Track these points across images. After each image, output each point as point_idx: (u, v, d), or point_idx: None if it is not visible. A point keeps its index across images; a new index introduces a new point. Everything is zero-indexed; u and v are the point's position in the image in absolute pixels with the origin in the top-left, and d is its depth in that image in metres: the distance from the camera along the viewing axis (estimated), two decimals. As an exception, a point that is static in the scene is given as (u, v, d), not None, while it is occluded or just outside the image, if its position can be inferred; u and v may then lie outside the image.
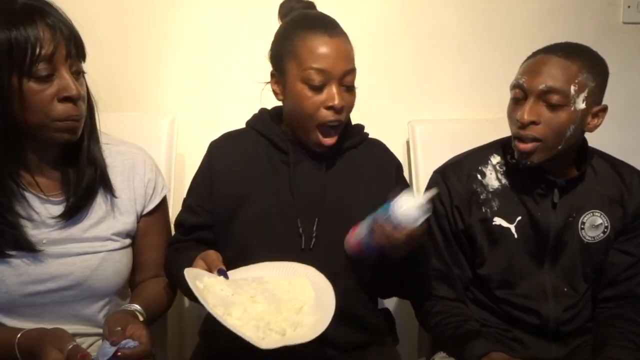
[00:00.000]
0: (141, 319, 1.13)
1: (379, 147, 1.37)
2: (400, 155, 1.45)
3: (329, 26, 1.21)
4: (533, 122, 1.20)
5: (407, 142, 1.72)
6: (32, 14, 1.04)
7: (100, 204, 1.19)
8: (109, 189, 1.20)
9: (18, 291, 1.11)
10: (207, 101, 1.75)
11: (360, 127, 1.36)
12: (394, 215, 1.07)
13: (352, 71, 1.21)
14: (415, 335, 1.61)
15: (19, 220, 1.11)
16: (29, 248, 1.10)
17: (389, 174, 1.32)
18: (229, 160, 1.29)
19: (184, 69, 1.74)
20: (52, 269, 1.13)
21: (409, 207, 1.07)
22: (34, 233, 1.12)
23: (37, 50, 1.02)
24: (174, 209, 1.55)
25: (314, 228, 1.23)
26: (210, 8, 1.72)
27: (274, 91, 1.27)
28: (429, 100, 1.81)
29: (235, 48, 1.74)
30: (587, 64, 1.20)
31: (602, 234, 1.30)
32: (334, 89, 1.18)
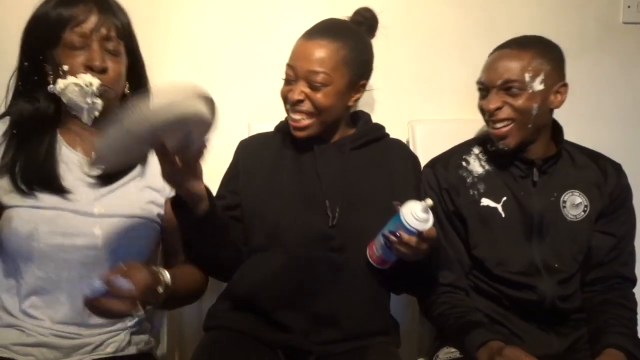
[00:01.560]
0: (163, 279, 1.11)
1: (399, 144, 1.48)
2: (400, 155, 1.45)
3: (316, 32, 1.32)
4: (498, 108, 1.33)
5: (407, 142, 1.72)
6: None
7: (134, 172, 1.26)
8: (143, 168, 1.27)
9: (46, 241, 1.16)
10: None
11: (381, 126, 1.46)
12: (406, 222, 1.15)
13: (316, 73, 1.29)
14: (416, 335, 1.61)
15: (56, 165, 1.20)
16: (60, 190, 1.18)
17: (408, 166, 1.42)
18: (256, 153, 1.41)
19: (183, 69, 1.74)
20: (81, 224, 1.18)
21: (417, 211, 1.16)
22: (68, 181, 1.20)
23: (70, 23, 1.16)
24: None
25: (337, 209, 1.31)
26: (210, 8, 1.72)
27: None
28: (429, 100, 1.81)
29: (235, 48, 1.74)
30: (539, 51, 1.33)
31: (582, 213, 1.38)
32: (298, 85, 1.31)
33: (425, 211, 1.16)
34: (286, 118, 1.40)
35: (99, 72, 1.17)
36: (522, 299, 1.34)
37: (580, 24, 1.84)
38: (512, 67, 1.32)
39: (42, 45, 1.19)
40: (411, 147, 1.68)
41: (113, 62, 1.20)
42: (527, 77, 1.31)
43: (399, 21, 1.78)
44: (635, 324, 1.36)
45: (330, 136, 1.40)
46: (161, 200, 1.28)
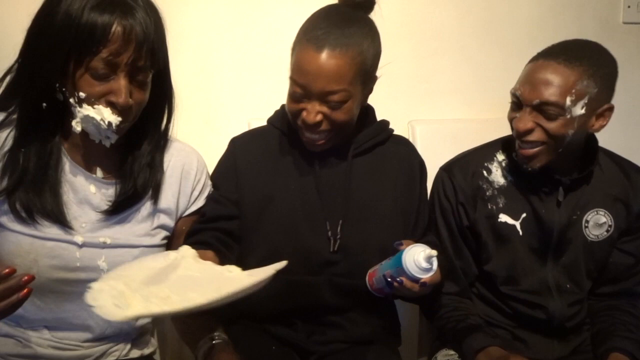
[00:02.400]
0: None
1: (405, 144, 1.37)
2: (400, 155, 1.45)
3: (325, 40, 1.14)
4: (529, 131, 1.21)
5: (407, 142, 1.71)
6: (114, 6, 0.99)
7: (147, 197, 1.15)
8: (157, 194, 1.16)
9: (47, 274, 1.07)
10: (206, 101, 1.75)
11: (385, 123, 1.34)
12: (408, 271, 1.09)
13: (335, 92, 1.14)
14: (416, 335, 1.61)
15: (60, 190, 1.08)
16: (64, 224, 1.07)
17: (414, 173, 1.32)
18: (254, 158, 1.28)
19: (183, 68, 1.74)
20: (85, 258, 1.09)
21: (420, 260, 1.08)
22: (72, 205, 1.09)
23: (101, 48, 0.98)
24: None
25: (338, 230, 1.22)
26: (210, 7, 1.72)
27: None
28: (429, 100, 1.81)
29: (235, 47, 1.73)
30: (590, 69, 1.17)
31: (605, 233, 1.30)
32: (310, 105, 1.16)
33: (428, 261, 1.08)
34: (283, 107, 1.30)
35: (122, 109, 1.03)
36: (530, 316, 1.31)
37: (580, 24, 1.84)
38: (553, 86, 1.16)
39: (59, 54, 1.00)
40: (411, 147, 1.68)
41: (139, 92, 1.05)
42: (568, 100, 1.16)
43: (399, 21, 1.78)
44: None
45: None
46: (170, 222, 1.19)
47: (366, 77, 1.19)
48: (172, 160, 1.20)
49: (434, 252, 1.08)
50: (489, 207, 1.31)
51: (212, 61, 1.74)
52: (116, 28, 0.98)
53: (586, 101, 1.17)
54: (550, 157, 1.23)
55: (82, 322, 1.13)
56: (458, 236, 1.33)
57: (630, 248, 1.33)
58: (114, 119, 1.02)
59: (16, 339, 1.13)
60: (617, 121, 1.88)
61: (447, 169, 1.36)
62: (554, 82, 1.17)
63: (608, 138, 1.83)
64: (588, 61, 1.18)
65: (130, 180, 1.12)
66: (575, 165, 1.30)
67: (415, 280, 1.09)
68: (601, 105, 1.21)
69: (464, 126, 1.70)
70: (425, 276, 1.09)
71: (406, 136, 1.72)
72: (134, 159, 1.13)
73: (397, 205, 1.26)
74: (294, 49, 1.20)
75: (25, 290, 0.92)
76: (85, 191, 1.11)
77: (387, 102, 1.78)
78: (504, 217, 1.30)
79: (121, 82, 1.01)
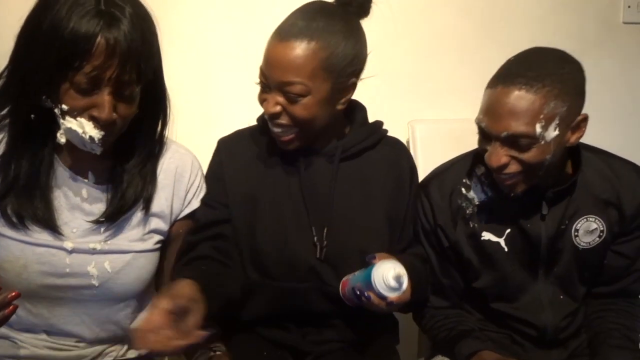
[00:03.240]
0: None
1: (398, 148, 1.33)
2: (400, 155, 1.45)
3: (288, 28, 1.13)
4: (504, 165, 1.13)
5: (407, 142, 1.71)
6: (99, 17, 0.95)
7: (140, 203, 1.14)
8: (149, 202, 1.14)
9: (37, 281, 1.07)
10: (206, 101, 1.75)
11: (378, 125, 1.30)
12: (376, 288, 1.05)
13: (290, 84, 1.11)
14: (416, 336, 1.61)
15: (51, 195, 1.07)
16: (55, 230, 1.06)
17: (403, 179, 1.28)
18: (240, 159, 1.25)
19: (183, 69, 1.74)
20: (75, 264, 1.08)
21: (389, 278, 1.05)
22: (63, 211, 1.09)
23: (84, 63, 0.94)
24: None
25: (324, 237, 1.21)
26: (210, 8, 1.72)
27: None
28: (429, 100, 1.81)
29: (236, 48, 1.73)
30: (554, 89, 1.09)
31: (598, 239, 1.25)
32: (272, 95, 1.14)
33: (397, 280, 1.04)
34: None
35: (104, 124, 1.00)
36: (521, 331, 1.28)
37: (580, 24, 1.84)
38: (519, 116, 1.08)
39: (44, 65, 0.97)
40: (411, 148, 1.68)
41: (124, 107, 1.01)
42: (538, 127, 1.08)
43: (399, 21, 1.78)
44: (637, 333, 1.27)
45: (320, 143, 1.23)
46: (164, 226, 1.17)
47: (333, 76, 1.13)
48: (166, 163, 1.18)
49: (403, 272, 1.05)
50: (471, 225, 1.25)
51: (211, 62, 1.74)
52: (99, 41, 0.94)
53: (557, 122, 1.10)
54: (532, 181, 1.17)
55: (74, 328, 1.13)
56: (442, 255, 1.29)
57: (624, 250, 1.27)
58: (96, 134, 1.00)
59: (11, 340, 1.12)
60: (618, 121, 1.89)
61: (424, 188, 1.30)
62: (519, 112, 1.08)
63: (608, 138, 1.83)
64: (550, 80, 1.09)
65: (120, 191, 1.11)
66: (560, 177, 1.23)
67: (383, 297, 1.06)
68: (574, 119, 1.14)
69: (464, 126, 1.69)
70: (392, 295, 1.05)
71: (406, 136, 1.72)
72: (124, 169, 1.11)
73: (384, 212, 1.24)
74: None
75: (10, 307, 0.93)
76: (77, 197, 1.10)
77: (387, 102, 1.80)
78: (487, 235, 1.24)
79: (105, 98, 0.97)
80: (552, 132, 1.10)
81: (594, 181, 1.24)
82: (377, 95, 1.77)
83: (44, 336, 1.12)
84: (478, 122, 1.16)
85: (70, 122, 1.00)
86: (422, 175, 1.65)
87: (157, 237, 1.17)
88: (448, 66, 1.80)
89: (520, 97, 1.08)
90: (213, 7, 1.72)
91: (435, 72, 1.80)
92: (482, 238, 1.24)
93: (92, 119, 0.99)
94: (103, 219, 1.10)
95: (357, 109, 1.29)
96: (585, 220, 1.23)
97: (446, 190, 1.26)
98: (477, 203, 1.25)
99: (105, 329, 1.15)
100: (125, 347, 1.19)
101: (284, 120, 1.15)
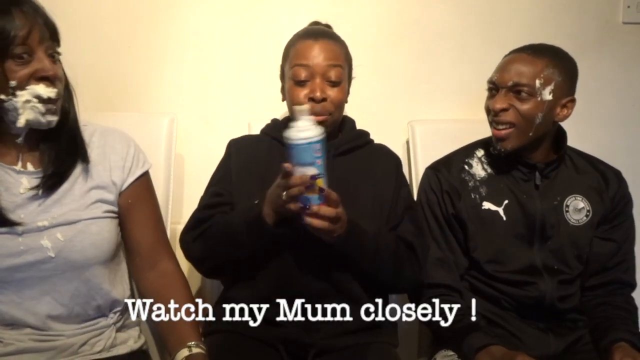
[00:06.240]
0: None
1: (383, 147, 1.46)
2: (400, 155, 1.46)
3: (318, 34, 1.33)
4: (504, 109, 1.33)
5: (407, 142, 1.72)
6: (8, 4, 1.09)
7: (77, 176, 1.20)
8: (85, 159, 1.21)
9: None
10: (206, 101, 1.75)
11: (365, 133, 1.44)
12: (297, 143, 1.12)
13: (334, 67, 1.30)
14: (416, 336, 1.61)
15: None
16: (7, 224, 1.12)
17: (389, 165, 1.42)
18: (246, 160, 1.37)
19: (183, 69, 1.74)
20: (28, 240, 1.13)
21: (298, 124, 1.13)
22: (8, 204, 1.14)
23: (13, 33, 1.07)
24: (173, 210, 1.55)
25: None
26: (210, 8, 1.72)
27: (282, 95, 1.38)
28: (429, 100, 1.81)
29: (235, 48, 1.74)
30: (553, 60, 1.33)
31: (585, 218, 1.39)
32: (316, 82, 1.30)
33: (305, 116, 1.14)
34: (274, 120, 1.41)
35: (53, 79, 1.12)
36: (522, 297, 1.35)
37: (580, 24, 1.84)
38: (525, 71, 1.32)
39: None
40: (411, 148, 1.69)
41: (58, 67, 1.15)
42: (537, 83, 1.31)
43: (399, 21, 1.78)
44: (637, 327, 1.36)
45: None
46: (109, 196, 1.23)
47: (350, 70, 1.36)
48: (95, 139, 1.25)
49: (305, 107, 1.18)
50: (473, 196, 1.40)
51: (213, 62, 1.74)
52: (18, 17, 1.08)
53: (553, 87, 1.32)
54: (521, 140, 1.34)
55: (46, 307, 1.16)
56: (446, 227, 1.41)
57: (610, 235, 1.40)
58: (50, 92, 1.10)
59: None
60: (618, 121, 1.89)
61: (433, 167, 1.47)
62: (524, 68, 1.33)
63: (609, 138, 1.85)
64: (551, 54, 1.34)
65: (50, 167, 1.17)
66: (548, 152, 1.41)
67: (306, 161, 1.12)
68: (565, 96, 1.34)
69: (464, 126, 1.70)
70: (309, 135, 1.12)
71: (406, 136, 1.72)
72: (50, 148, 1.18)
73: (372, 195, 1.35)
74: (288, 51, 1.34)
75: None
76: (18, 187, 1.16)
77: (387, 102, 1.80)
78: (487, 205, 1.39)
79: (42, 56, 1.10)
80: (547, 95, 1.32)
81: (579, 170, 1.43)
82: (377, 95, 1.78)
83: (27, 330, 1.15)
84: (490, 79, 1.38)
85: (22, 95, 1.09)
86: (420, 174, 1.65)
87: (106, 207, 1.22)
88: (448, 66, 1.80)
89: (527, 59, 1.34)
90: (217, 9, 1.72)
91: (434, 72, 1.81)
92: (483, 207, 1.39)
93: (41, 80, 1.10)
94: (36, 192, 1.16)
95: (348, 120, 1.45)
96: (574, 198, 1.40)
97: (452, 167, 1.45)
98: (478, 178, 1.42)
99: (79, 303, 1.19)
100: (113, 335, 1.23)
101: (327, 106, 1.31)
